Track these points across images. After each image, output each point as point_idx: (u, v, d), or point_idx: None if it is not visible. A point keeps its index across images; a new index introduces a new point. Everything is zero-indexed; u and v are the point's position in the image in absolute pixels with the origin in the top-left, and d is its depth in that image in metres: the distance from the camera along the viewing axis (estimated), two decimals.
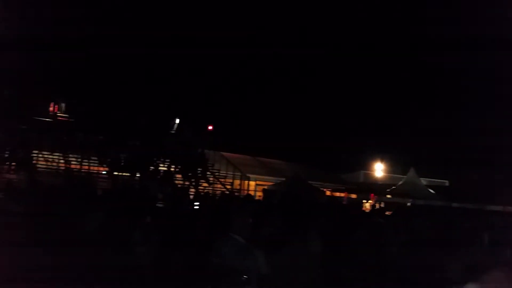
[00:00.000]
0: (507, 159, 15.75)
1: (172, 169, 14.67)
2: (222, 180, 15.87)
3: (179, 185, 13.13)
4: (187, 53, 24.64)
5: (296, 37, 27.57)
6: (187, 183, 13.98)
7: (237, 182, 16.29)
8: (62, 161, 13.32)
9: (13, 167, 11.76)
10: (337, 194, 17.85)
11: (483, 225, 6.09)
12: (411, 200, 14.54)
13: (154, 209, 5.77)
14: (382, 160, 22.75)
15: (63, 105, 18.36)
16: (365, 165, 23.40)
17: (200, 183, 14.51)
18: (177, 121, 19.17)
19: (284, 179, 15.62)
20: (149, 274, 2.94)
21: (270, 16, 27.36)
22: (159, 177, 13.45)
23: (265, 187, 14.52)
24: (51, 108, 17.77)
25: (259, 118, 26.32)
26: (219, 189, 14.66)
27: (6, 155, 12.02)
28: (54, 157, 13.36)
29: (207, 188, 14.48)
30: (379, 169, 22.81)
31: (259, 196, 12.56)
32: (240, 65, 27.62)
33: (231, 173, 16.31)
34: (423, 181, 18.17)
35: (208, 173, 15.48)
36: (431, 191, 16.06)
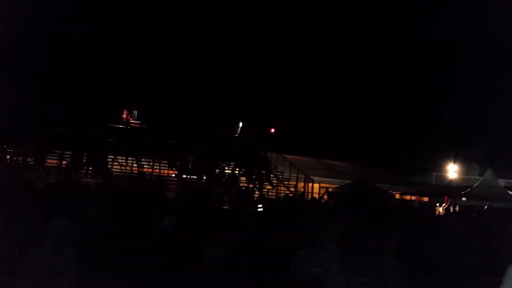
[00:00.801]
0: None
1: (237, 172, 14.92)
2: (286, 182, 15.85)
3: (243, 188, 13.32)
4: (250, 55, 25.00)
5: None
6: (251, 185, 14.14)
7: (300, 184, 16.17)
8: (135, 165, 14.09)
9: (90, 171, 12.62)
10: (407, 197, 17.10)
11: None
12: (488, 203, 13.47)
13: (220, 211, 5.90)
14: (455, 160, 21.39)
15: (135, 112, 19.56)
16: (437, 167, 22.15)
17: (264, 186, 14.61)
18: (241, 124, 19.53)
19: (349, 181, 15.23)
20: (226, 278, 2.97)
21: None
22: (224, 179, 13.76)
23: (330, 189, 14.29)
24: (124, 115, 18.99)
25: (323, 119, 25.97)
26: (282, 191, 14.66)
27: (84, 160, 12.95)
28: (128, 161, 14.19)
29: (270, 190, 14.55)
30: (452, 171, 21.46)
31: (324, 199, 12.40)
32: (298, 67, 27.46)
33: (295, 175, 16.24)
34: (502, 182, 16.83)
35: (271, 175, 15.54)
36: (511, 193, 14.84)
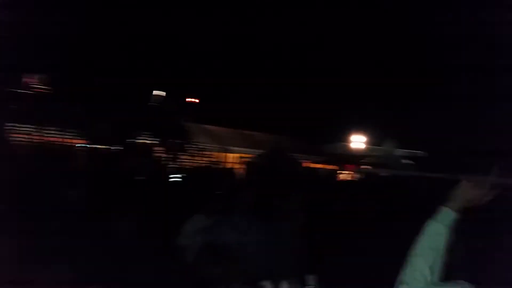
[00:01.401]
0: (482, 126, 16.16)
1: (152, 142, 14.61)
2: (204, 152, 15.90)
3: (158, 158, 13.12)
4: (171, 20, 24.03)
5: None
6: (167, 155, 13.97)
7: (218, 154, 16.33)
8: (38, 133, 13.10)
9: None
10: (318, 165, 18.17)
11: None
12: (386, 170, 14.89)
13: (132, 182, 5.77)
14: (359, 132, 23.10)
15: (41, 75, 17.76)
16: (345, 137, 23.73)
17: (181, 156, 14.53)
18: (158, 92, 18.92)
19: (267, 151, 15.72)
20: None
21: None
22: (138, 149, 13.41)
23: (247, 159, 14.64)
24: (27, 79, 17.21)
25: (242, 89, 26.15)
26: (200, 162, 14.72)
27: None
28: (28, 129, 13.12)
29: (188, 161, 14.54)
30: (358, 141, 23.17)
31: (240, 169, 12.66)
32: (223, 37, 27.16)
33: (213, 145, 16.33)
34: (399, 152, 18.63)
35: (189, 145, 15.49)
36: (406, 161, 16.54)
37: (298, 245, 3.06)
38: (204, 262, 1.51)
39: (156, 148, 14.31)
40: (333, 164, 18.13)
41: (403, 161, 16.94)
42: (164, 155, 13.93)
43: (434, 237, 1.52)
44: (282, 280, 1.98)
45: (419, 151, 21.46)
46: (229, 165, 15.01)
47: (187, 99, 20.81)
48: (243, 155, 16.39)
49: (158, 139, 14.75)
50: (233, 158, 16.66)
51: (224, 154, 16.29)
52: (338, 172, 16.21)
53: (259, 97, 25.46)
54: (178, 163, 13.25)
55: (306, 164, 16.22)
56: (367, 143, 23.19)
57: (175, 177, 6.93)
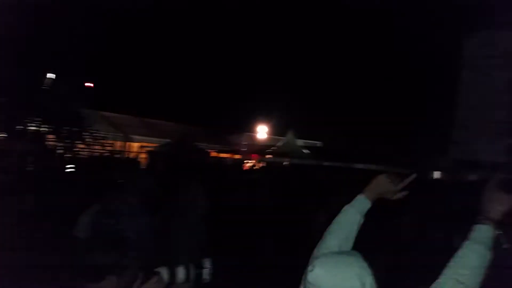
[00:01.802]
0: (379, 118, 17.64)
1: (44, 129, 13.40)
2: (102, 141, 15.04)
3: (51, 146, 12.11)
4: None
5: None
6: (60, 144, 12.94)
7: (119, 143, 15.60)
8: None
9: None
10: (223, 155, 18.40)
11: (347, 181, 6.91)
12: (288, 159, 15.67)
13: (21, 172, 5.29)
14: (264, 122, 23.85)
15: None
16: (251, 127, 24.29)
17: (76, 144, 13.56)
18: (51, 75, 17.33)
19: (170, 140, 15.41)
20: None
21: None
22: (27, 137, 12.21)
23: (149, 148, 14.22)
24: None
25: (143, 75, 25.19)
26: (97, 150, 13.92)
27: None
28: None
29: (84, 150, 13.64)
30: (262, 131, 23.90)
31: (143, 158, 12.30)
32: (125, 19, 25.73)
33: (112, 134, 15.52)
34: (300, 142, 19.62)
35: (85, 133, 14.50)
36: (306, 151, 17.52)
37: (197, 231, 3.10)
38: (93, 250, 1.47)
39: (49, 136, 13.16)
40: (239, 154, 18.47)
41: (304, 151, 17.89)
42: (58, 143, 12.88)
43: (347, 220, 1.66)
44: (179, 266, 1.99)
45: (318, 142, 22.88)
46: (130, 154, 14.43)
47: (85, 84, 19.46)
48: (146, 144, 15.89)
49: (51, 126, 13.58)
50: (135, 147, 16.06)
51: (125, 142, 15.60)
52: (243, 161, 16.58)
53: (165, 84, 24.81)
54: (73, 152, 12.38)
55: (212, 153, 16.35)
56: (271, 133, 24.05)
57: (69, 167, 6.49)
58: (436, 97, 15.78)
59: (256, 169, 12.59)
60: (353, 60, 18.82)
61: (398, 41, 16.45)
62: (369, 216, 1.69)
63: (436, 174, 12.82)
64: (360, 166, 12.10)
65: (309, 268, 1.38)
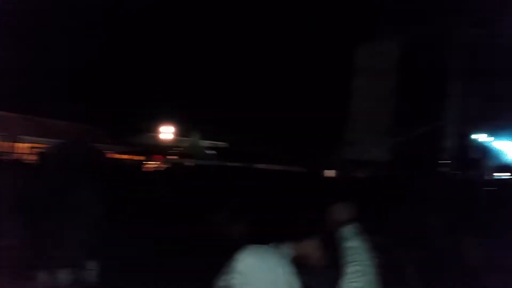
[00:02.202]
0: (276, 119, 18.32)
1: None
2: None
3: None
4: None
5: None
6: None
7: (5, 144, 14.17)
8: None
9: None
10: (123, 156, 17.68)
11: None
12: (192, 160, 15.64)
13: None
14: (170, 122, 23.38)
15: None
16: (154, 128, 23.63)
17: None
18: None
19: (64, 140, 14.40)
20: None
21: None
22: None
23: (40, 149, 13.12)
24: None
25: (35, 71, 23.02)
26: None
27: None
28: None
29: None
30: (167, 132, 23.40)
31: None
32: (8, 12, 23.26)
33: None
34: (205, 143, 19.71)
35: None
36: (211, 152, 17.67)
37: (85, 234, 3.01)
38: None
39: None
40: (141, 155, 17.92)
41: (208, 152, 18.00)
42: None
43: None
44: (62, 268, 1.94)
45: (222, 143, 23.14)
46: (17, 156, 13.17)
47: None
48: (35, 145, 14.64)
49: None
50: (23, 148, 14.71)
51: (11, 143, 14.20)
52: (145, 162, 16.12)
53: (58, 80, 22.99)
54: None
55: (109, 155, 15.60)
56: (176, 134, 23.69)
57: None
58: (330, 101, 16.98)
59: (158, 170, 12.33)
60: (254, 60, 19.38)
61: (297, 47, 17.37)
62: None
63: (329, 172, 13.81)
64: (261, 166, 12.57)
65: (237, 258, 1.42)
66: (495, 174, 17.77)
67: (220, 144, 22.16)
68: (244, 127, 18.71)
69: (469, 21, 16.99)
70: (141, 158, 17.95)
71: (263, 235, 1.80)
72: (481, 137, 18.35)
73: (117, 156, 16.94)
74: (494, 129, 18.25)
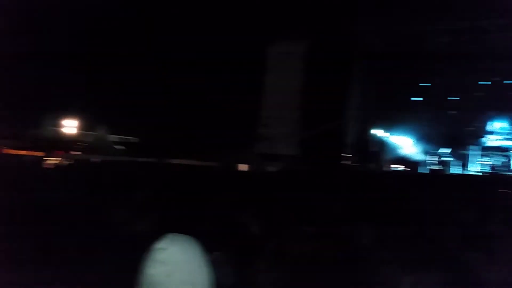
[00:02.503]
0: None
1: None
2: None
3: None
4: None
5: None
6: None
7: None
8: None
9: None
10: (20, 152, 16.18)
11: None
12: (99, 156, 14.80)
13: None
14: (74, 116, 21.81)
15: None
16: (57, 122, 21.88)
17: None
18: None
19: None
20: None
21: None
22: None
23: None
24: None
25: None
26: None
27: None
28: None
29: None
30: (71, 125, 21.80)
31: None
32: None
33: None
34: (113, 138, 18.80)
35: None
36: (119, 147, 16.92)
37: None
38: None
39: None
40: (40, 150, 16.53)
41: (116, 147, 17.21)
42: None
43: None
44: None
45: (132, 137, 22.25)
46: None
47: None
48: None
49: None
50: None
51: None
52: (45, 158, 14.90)
53: None
54: None
55: (3, 150, 14.17)
56: (79, 128, 22.17)
57: None
58: (243, 98, 17.23)
59: (60, 166, 11.49)
60: (166, 54, 18.90)
61: (210, 43, 17.28)
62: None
63: (242, 167, 14.06)
64: (174, 161, 12.33)
65: (159, 247, 1.44)
66: (391, 166, 19.55)
67: (130, 139, 21.29)
68: (155, 122, 18.21)
69: (369, 29, 18.45)
70: (41, 153, 16.57)
71: (173, 228, 1.79)
72: (379, 133, 19.99)
73: (13, 151, 15.46)
74: (390, 126, 20.03)
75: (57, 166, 12.87)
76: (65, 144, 17.29)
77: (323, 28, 16.48)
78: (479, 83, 19.34)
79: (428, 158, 19.51)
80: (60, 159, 14.88)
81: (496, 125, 19.20)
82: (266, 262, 1.85)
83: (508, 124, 19.02)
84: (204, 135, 16.28)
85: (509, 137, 18.86)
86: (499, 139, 18.95)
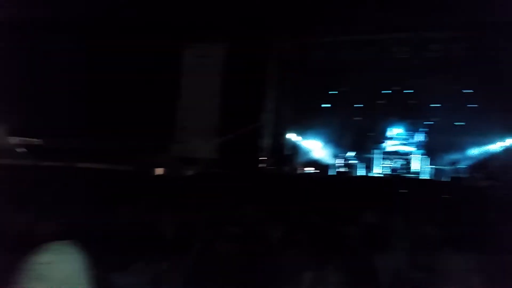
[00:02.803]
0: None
1: None
2: None
3: None
4: None
5: None
6: None
7: None
8: None
9: None
10: None
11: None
12: None
13: None
14: None
15: None
16: None
17: None
18: None
19: None
20: None
21: None
22: None
23: None
24: None
25: None
26: None
27: None
28: None
29: None
30: None
31: None
32: None
33: None
34: (13, 139, 17.24)
35: None
36: (21, 149, 15.59)
37: None
38: None
39: None
40: None
41: (19, 149, 15.82)
42: None
43: None
44: None
45: (37, 139, 20.55)
46: None
47: None
48: None
49: None
50: None
51: None
52: None
53: None
54: None
55: None
56: None
57: None
58: (159, 100, 16.87)
59: None
60: (79, 54, 17.85)
61: (124, 44, 16.61)
62: None
63: (158, 171, 13.72)
64: (81, 165, 11.62)
65: (41, 261, 1.41)
66: (304, 168, 20.46)
67: (33, 141, 19.61)
68: (62, 122, 17.05)
69: (285, 36, 19.17)
70: None
71: (68, 234, 1.76)
72: (292, 137, 20.84)
73: None
74: (303, 130, 20.98)
75: None
76: None
77: (240, 33, 16.78)
78: (382, 92, 21.03)
79: (336, 161, 20.75)
80: None
81: (396, 130, 21.07)
82: (179, 265, 1.87)
83: (407, 130, 20.98)
84: (118, 137, 15.61)
85: (407, 141, 20.80)
86: (399, 144, 20.83)
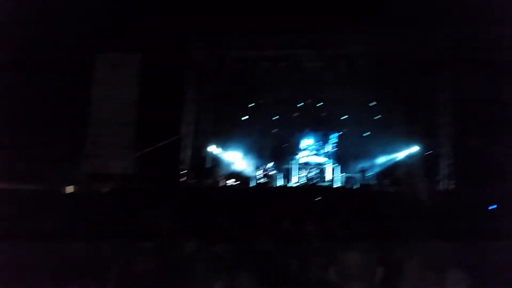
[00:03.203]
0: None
1: None
2: None
3: None
4: None
5: None
6: None
7: None
8: None
9: None
10: None
11: None
12: None
13: None
14: None
15: None
16: None
17: None
18: None
19: None
20: None
21: None
22: None
23: None
24: None
25: None
26: None
27: None
28: None
29: None
30: None
31: None
32: None
33: None
34: None
35: None
36: None
37: None
38: None
39: None
40: None
41: None
42: None
43: None
44: None
45: None
46: None
47: None
48: None
49: None
50: None
51: None
52: None
53: None
54: None
55: None
56: None
57: None
58: (69, 112, 15.86)
59: None
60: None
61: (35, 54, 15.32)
62: None
63: (69, 188, 12.85)
64: None
65: None
66: (226, 180, 20.48)
67: None
68: None
69: (206, 48, 19.17)
70: None
71: None
72: (213, 149, 20.81)
73: None
74: (223, 142, 21.05)
75: None
76: None
77: (158, 43, 16.40)
78: (297, 105, 21.92)
79: (256, 172, 21.11)
80: None
81: (309, 141, 22.08)
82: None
83: (320, 140, 22.06)
84: (23, 153, 14.29)
85: (320, 152, 21.87)
86: (312, 154, 21.83)
